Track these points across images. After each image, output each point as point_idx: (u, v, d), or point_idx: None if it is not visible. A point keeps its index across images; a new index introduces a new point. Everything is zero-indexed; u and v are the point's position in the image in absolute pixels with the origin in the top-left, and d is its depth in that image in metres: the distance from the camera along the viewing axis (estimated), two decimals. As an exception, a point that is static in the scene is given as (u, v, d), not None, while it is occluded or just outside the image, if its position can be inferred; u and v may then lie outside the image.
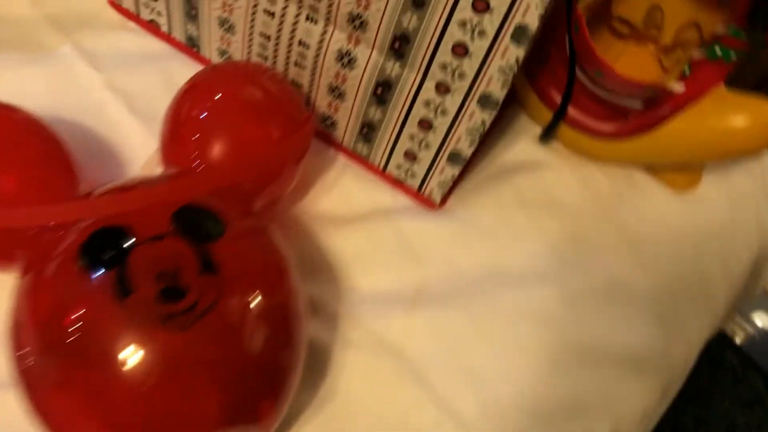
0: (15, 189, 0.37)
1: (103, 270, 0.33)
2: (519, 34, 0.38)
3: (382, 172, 0.52)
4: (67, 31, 0.54)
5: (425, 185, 0.51)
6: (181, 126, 0.44)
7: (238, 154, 0.42)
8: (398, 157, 0.50)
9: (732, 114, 0.44)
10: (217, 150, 0.42)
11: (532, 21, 0.37)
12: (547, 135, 0.53)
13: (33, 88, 0.51)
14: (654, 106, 0.46)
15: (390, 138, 0.49)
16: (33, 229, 0.37)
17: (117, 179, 0.47)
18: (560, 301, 0.50)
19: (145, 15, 0.55)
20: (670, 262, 0.53)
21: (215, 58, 0.54)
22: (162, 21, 0.54)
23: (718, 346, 1.10)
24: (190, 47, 0.54)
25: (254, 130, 0.43)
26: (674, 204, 0.56)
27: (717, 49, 0.44)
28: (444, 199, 0.52)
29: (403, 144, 0.49)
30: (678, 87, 0.45)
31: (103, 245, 0.34)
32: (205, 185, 0.39)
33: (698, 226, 0.56)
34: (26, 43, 0.53)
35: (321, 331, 0.46)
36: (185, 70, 0.49)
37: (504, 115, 0.58)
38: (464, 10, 0.39)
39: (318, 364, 0.45)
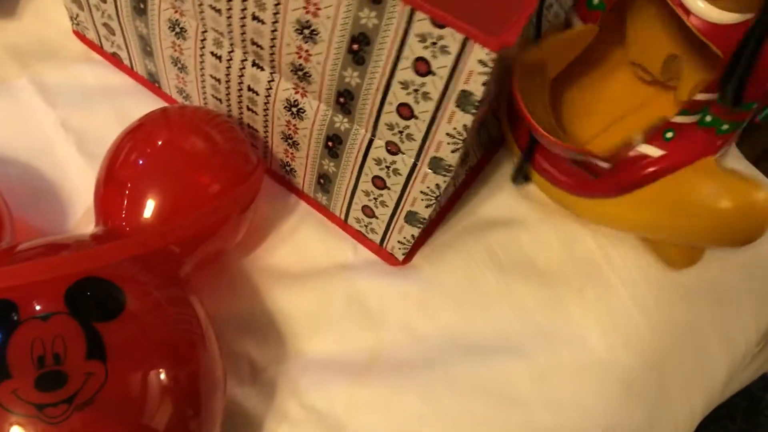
0: None
1: None
2: (464, 100, 0.34)
3: (344, 223, 0.49)
4: (27, 63, 0.52)
5: (386, 241, 0.47)
6: (117, 170, 0.41)
7: (168, 213, 0.39)
8: (357, 211, 0.46)
9: (717, 192, 0.38)
10: (148, 205, 0.39)
11: (476, 89, 0.33)
12: (516, 179, 0.49)
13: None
14: (626, 169, 0.41)
15: (347, 191, 0.45)
16: None
17: (57, 226, 0.45)
18: (528, 378, 0.45)
19: (108, 48, 0.53)
20: (657, 336, 0.48)
21: (175, 96, 0.51)
22: (123, 55, 0.52)
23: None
24: (152, 83, 0.52)
25: (192, 181, 0.41)
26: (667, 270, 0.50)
27: (708, 116, 0.39)
28: (410, 256, 0.48)
29: (360, 199, 0.45)
30: (653, 151, 0.40)
31: None
32: (119, 254, 0.36)
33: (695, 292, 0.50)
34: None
35: (256, 399, 0.43)
36: (144, 108, 0.46)
37: (491, 159, 0.53)
38: (406, 72, 0.35)
39: None
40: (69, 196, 0.47)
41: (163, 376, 0.34)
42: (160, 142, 0.41)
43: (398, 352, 0.45)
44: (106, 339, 0.32)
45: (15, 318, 0.32)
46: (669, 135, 0.40)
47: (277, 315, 0.46)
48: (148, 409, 0.33)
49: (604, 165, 0.42)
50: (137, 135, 0.42)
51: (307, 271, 0.47)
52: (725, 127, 0.38)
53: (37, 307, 0.32)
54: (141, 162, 0.41)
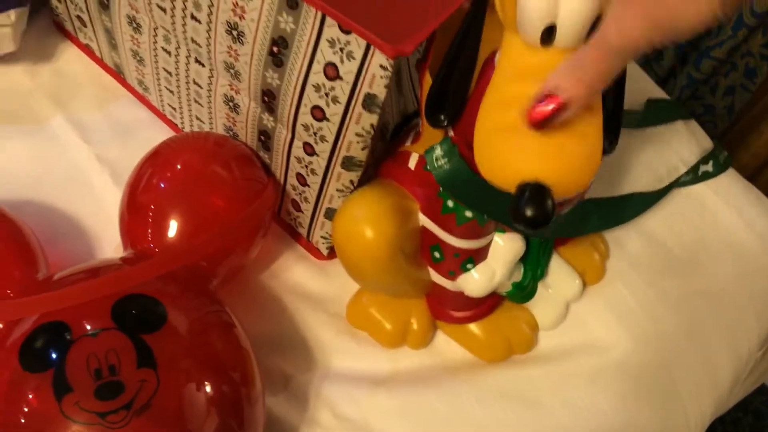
0: None
1: (44, 368, 0.34)
2: (369, 102, 0.37)
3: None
4: (61, 102, 0.55)
5: (311, 236, 0.50)
6: (139, 195, 0.44)
7: (192, 232, 0.42)
8: (287, 204, 0.50)
9: None
10: (172, 224, 0.42)
11: (380, 92, 0.36)
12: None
13: (24, 160, 0.52)
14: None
15: (280, 182, 0.49)
16: None
17: (93, 254, 0.49)
18: (546, 382, 0.48)
19: (82, 39, 0.57)
20: (665, 340, 0.51)
21: (137, 87, 0.55)
22: (94, 46, 0.56)
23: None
24: (118, 74, 0.56)
25: (212, 201, 0.44)
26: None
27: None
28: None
29: (288, 193, 0.48)
30: None
31: (42, 343, 0.35)
32: (153, 272, 0.39)
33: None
34: (21, 114, 0.55)
35: (289, 409, 0.45)
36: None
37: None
38: (317, 75, 0.38)
39: None
40: (107, 225, 0.49)
41: (208, 384, 0.36)
42: (177, 167, 0.45)
43: (421, 359, 0.48)
44: (153, 348, 0.35)
45: (69, 337, 0.35)
46: None
47: (300, 327, 0.48)
48: (197, 417, 0.35)
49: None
50: (155, 161, 0.46)
51: (324, 287, 0.50)
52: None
53: (87, 326, 0.35)
54: (161, 186, 0.44)
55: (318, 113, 0.40)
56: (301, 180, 0.46)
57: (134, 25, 0.48)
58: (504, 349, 0.48)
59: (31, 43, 0.57)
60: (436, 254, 0.44)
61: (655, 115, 0.62)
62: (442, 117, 0.37)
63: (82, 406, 0.33)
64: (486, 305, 0.48)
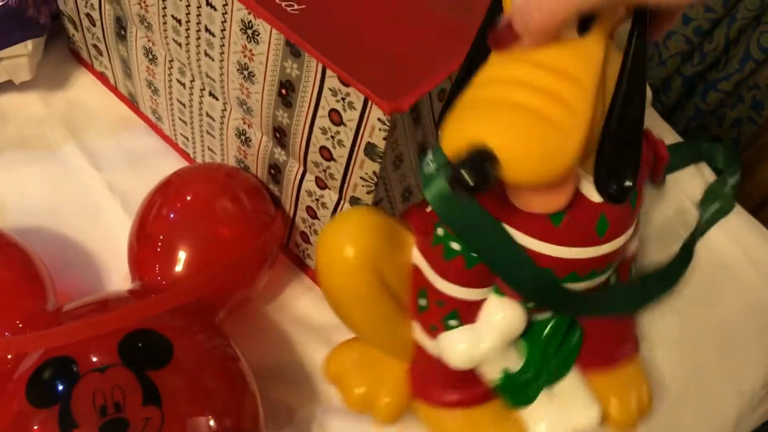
0: None
1: (50, 404, 0.34)
2: (370, 151, 0.38)
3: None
4: (73, 130, 0.56)
5: (319, 267, 0.51)
6: (149, 225, 0.45)
7: (201, 263, 0.43)
8: (296, 236, 0.50)
9: None
10: (180, 257, 0.43)
11: (379, 142, 0.37)
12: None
13: (35, 187, 0.53)
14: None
15: (289, 215, 0.50)
16: None
17: (102, 284, 0.49)
18: None
19: (97, 66, 0.58)
20: (668, 376, 0.51)
21: (150, 117, 0.56)
22: (109, 74, 0.57)
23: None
24: (132, 102, 0.57)
25: (221, 233, 0.44)
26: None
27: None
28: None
29: (298, 225, 0.49)
30: None
31: (49, 379, 0.36)
32: (161, 307, 0.40)
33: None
34: (33, 141, 0.55)
35: None
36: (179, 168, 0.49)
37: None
38: (323, 119, 0.39)
39: None
40: (116, 255, 0.49)
41: (212, 420, 0.36)
42: (188, 198, 0.45)
43: None
44: (159, 385, 0.35)
45: (75, 372, 0.35)
46: None
47: (305, 359, 0.48)
48: None
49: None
50: (166, 191, 0.46)
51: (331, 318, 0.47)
52: None
53: (94, 360, 0.36)
54: (171, 216, 0.44)
55: (326, 153, 0.41)
56: (311, 213, 0.47)
57: (150, 56, 0.49)
58: None
59: (47, 71, 0.58)
60: (422, 302, 0.41)
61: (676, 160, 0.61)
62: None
63: (86, 444, 0.33)
64: (472, 394, 0.43)
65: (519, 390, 0.42)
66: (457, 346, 0.40)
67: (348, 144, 0.39)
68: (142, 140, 0.56)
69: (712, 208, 0.59)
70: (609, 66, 0.32)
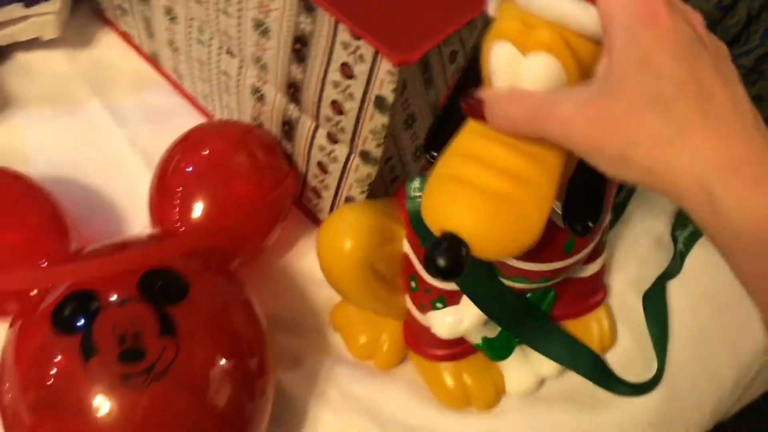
0: (11, 247, 0.42)
1: (73, 331, 0.37)
2: (379, 103, 0.39)
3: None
4: (97, 87, 0.58)
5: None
6: (168, 177, 0.47)
7: (217, 214, 0.45)
8: (308, 191, 0.52)
9: None
10: (197, 206, 0.45)
11: (388, 95, 0.39)
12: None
13: (60, 140, 0.55)
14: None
15: (301, 171, 0.51)
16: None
17: (122, 232, 0.52)
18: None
19: (122, 26, 0.60)
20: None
21: (171, 75, 0.58)
22: (133, 33, 0.59)
23: None
24: (154, 61, 0.59)
25: (236, 186, 0.46)
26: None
27: None
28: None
29: (310, 180, 0.51)
30: None
31: (73, 309, 0.38)
32: (178, 249, 0.42)
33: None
34: (59, 98, 0.58)
35: (298, 386, 0.47)
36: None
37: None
38: (335, 73, 0.40)
39: (294, 418, 0.47)
40: (136, 205, 0.51)
41: (224, 356, 0.39)
42: (206, 152, 0.47)
43: None
44: (175, 319, 0.38)
45: (97, 305, 0.38)
46: None
47: (314, 310, 0.51)
48: (211, 387, 0.38)
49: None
50: (185, 146, 0.48)
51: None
52: None
53: (114, 295, 0.38)
54: (189, 169, 0.46)
55: (337, 107, 0.42)
56: (323, 168, 0.48)
57: (171, 15, 0.51)
58: (461, 399, 0.48)
59: (72, 30, 0.60)
60: (413, 284, 0.45)
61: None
62: (435, 154, 0.37)
63: (106, 368, 0.36)
64: (459, 349, 0.47)
65: (496, 349, 0.48)
66: (443, 326, 0.45)
67: (358, 97, 0.40)
68: (164, 98, 0.58)
69: (686, 232, 0.58)
70: None
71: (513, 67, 0.31)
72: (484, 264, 0.41)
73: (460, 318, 0.44)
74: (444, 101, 0.37)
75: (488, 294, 0.43)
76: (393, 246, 0.44)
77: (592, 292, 0.51)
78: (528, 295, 0.47)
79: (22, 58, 0.58)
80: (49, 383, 0.36)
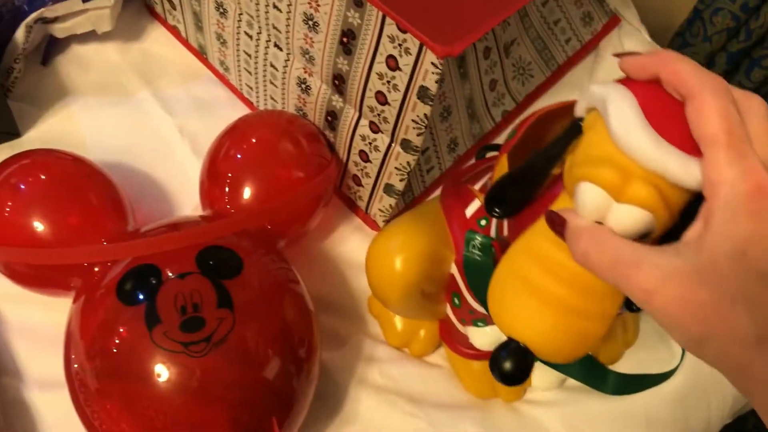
0: (75, 227, 0.45)
1: (137, 302, 0.40)
2: (423, 94, 0.42)
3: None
4: (147, 78, 0.62)
5: (369, 208, 0.55)
6: (218, 163, 0.50)
7: (264, 197, 0.48)
8: (348, 179, 0.55)
9: None
10: (246, 190, 0.48)
11: (432, 85, 0.41)
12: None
13: (113, 128, 0.58)
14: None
15: (342, 160, 0.54)
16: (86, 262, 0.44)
17: (173, 215, 0.55)
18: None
19: (170, 21, 0.63)
20: None
21: (218, 67, 0.61)
22: (181, 28, 0.62)
23: None
24: (201, 54, 0.62)
25: (282, 172, 0.49)
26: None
27: None
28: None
29: (351, 168, 0.53)
30: None
31: (137, 281, 0.41)
32: (230, 228, 0.45)
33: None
34: (111, 87, 0.61)
35: (339, 365, 0.50)
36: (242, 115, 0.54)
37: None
38: (380, 65, 0.43)
39: (334, 397, 0.49)
40: (186, 189, 0.55)
41: (275, 330, 0.41)
42: (253, 140, 0.50)
43: None
44: (231, 292, 0.41)
45: (159, 278, 0.41)
46: None
47: (350, 295, 0.54)
48: (263, 359, 0.40)
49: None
50: (233, 134, 0.51)
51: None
52: None
53: (175, 268, 0.41)
54: (238, 156, 0.49)
55: (381, 98, 0.45)
56: (364, 156, 0.51)
57: (221, 10, 0.54)
58: (489, 390, 0.50)
59: (124, 24, 0.63)
60: (456, 300, 0.47)
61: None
62: (498, 211, 0.38)
63: (169, 336, 0.38)
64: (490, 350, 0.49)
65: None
66: (482, 338, 0.47)
67: (402, 88, 0.43)
68: (210, 89, 0.61)
69: None
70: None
71: (602, 210, 0.30)
72: None
73: (498, 338, 0.45)
74: (521, 162, 0.37)
75: None
76: (442, 269, 0.46)
77: None
78: None
79: (77, 50, 0.62)
80: (114, 351, 0.39)
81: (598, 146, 0.30)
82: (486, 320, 0.46)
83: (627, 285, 0.28)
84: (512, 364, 0.33)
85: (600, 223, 0.30)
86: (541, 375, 0.51)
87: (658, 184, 0.28)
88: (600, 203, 0.29)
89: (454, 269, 0.46)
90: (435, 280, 0.46)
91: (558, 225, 0.31)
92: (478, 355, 0.49)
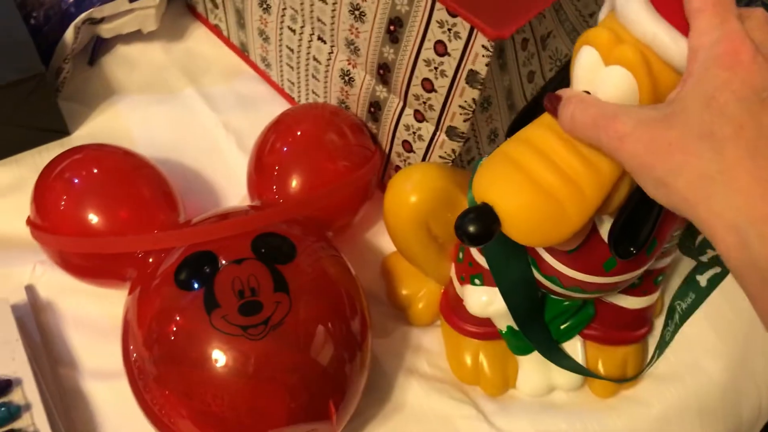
0: (127, 218, 0.46)
1: (195, 288, 0.41)
2: (471, 78, 0.42)
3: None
4: (192, 76, 0.63)
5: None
6: (265, 156, 0.51)
7: (311, 188, 0.49)
8: (391, 170, 0.55)
9: None
10: (293, 181, 0.49)
11: (481, 68, 0.41)
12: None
13: (160, 124, 0.60)
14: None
15: (384, 151, 0.54)
16: (140, 253, 0.45)
17: (221, 207, 0.54)
18: None
19: (212, 20, 0.64)
20: None
21: (259, 64, 0.62)
22: (223, 26, 0.63)
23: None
24: (242, 52, 0.63)
25: (328, 164, 0.50)
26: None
27: None
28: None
29: (393, 159, 0.54)
30: None
31: (194, 268, 0.42)
32: (281, 216, 0.46)
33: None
34: (157, 85, 0.62)
35: (387, 354, 0.51)
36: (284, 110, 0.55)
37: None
38: (428, 51, 0.43)
39: (383, 385, 0.49)
40: (232, 182, 0.57)
41: (329, 314, 0.42)
42: (298, 133, 0.51)
43: None
44: (286, 277, 0.41)
45: (216, 264, 0.41)
46: None
47: None
48: (318, 343, 0.41)
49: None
50: (278, 128, 0.52)
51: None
52: None
53: (231, 254, 0.42)
54: (284, 149, 0.50)
55: (428, 85, 0.45)
56: (407, 147, 0.51)
57: (264, 6, 0.55)
58: (471, 376, 0.50)
59: (167, 24, 0.64)
60: (460, 254, 0.48)
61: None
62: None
63: (228, 319, 0.39)
64: (486, 330, 0.49)
65: (518, 342, 0.49)
66: (475, 301, 0.47)
67: (450, 73, 0.43)
68: (252, 86, 0.62)
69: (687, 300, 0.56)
70: None
71: (593, 73, 0.33)
72: (522, 250, 0.43)
73: (491, 299, 0.46)
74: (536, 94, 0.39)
75: (513, 279, 0.44)
76: (453, 213, 0.44)
77: (632, 326, 0.51)
78: (565, 303, 0.48)
79: (123, 49, 0.63)
80: (173, 338, 0.40)
81: (602, 22, 0.33)
82: (483, 276, 0.46)
83: (605, 136, 0.30)
84: (475, 223, 0.32)
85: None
86: (527, 378, 0.50)
87: (645, 52, 0.31)
88: (591, 64, 0.33)
89: None
90: (446, 222, 0.46)
91: (554, 99, 0.33)
92: (473, 332, 0.49)
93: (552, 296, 0.47)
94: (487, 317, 0.48)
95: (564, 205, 0.33)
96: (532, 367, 0.50)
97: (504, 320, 0.48)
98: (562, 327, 0.49)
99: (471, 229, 0.33)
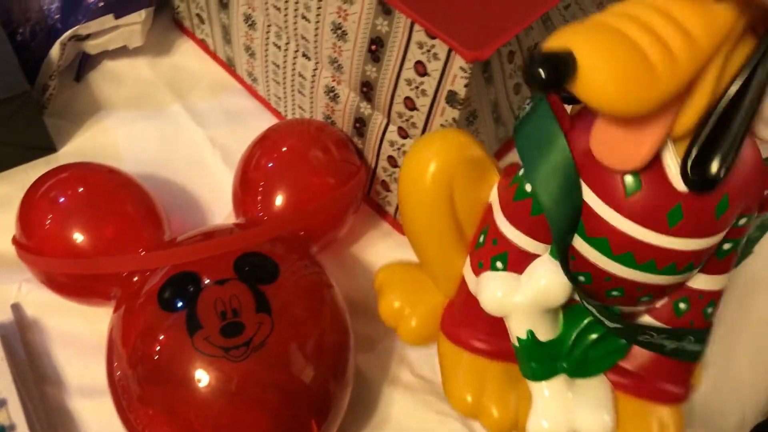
0: (113, 237, 0.46)
1: (178, 308, 0.41)
2: (451, 98, 0.42)
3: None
4: (178, 91, 0.63)
5: (398, 214, 0.56)
6: (250, 172, 0.51)
7: (296, 204, 0.49)
8: (377, 185, 0.55)
9: None
10: (278, 197, 0.49)
11: (460, 89, 0.42)
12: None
13: (146, 140, 0.60)
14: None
15: (371, 166, 0.55)
16: (125, 272, 0.45)
17: (206, 223, 0.56)
18: None
19: (198, 34, 0.64)
20: None
21: (246, 79, 0.62)
22: (209, 41, 0.63)
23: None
24: (229, 66, 0.63)
25: (313, 179, 0.50)
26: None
27: None
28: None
29: (380, 174, 0.54)
30: None
31: (177, 288, 0.42)
32: (265, 235, 0.46)
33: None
34: (143, 100, 0.63)
35: (372, 367, 0.51)
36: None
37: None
38: (409, 71, 0.44)
39: (368, 399, 0.50)
40: (218, 198, 0.56)
41: (312, 333, 0.42)
42: (284, 149, 0.51)
43: None
44: (269, 297, 0.41)
45: (199, 285, 0.42)
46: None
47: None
48: (301, 362, 0.41)
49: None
50: (264, 144, 0.52)
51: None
52: None
53: (214, 275, 0.42)
54: (269, 165, 0.50)
55: (409, 103, 0.45)
56: (392, 162, 0.51)
57: (250, 22, 0.55)
58: (473, 407, 0.44)
59: (153, 39, 0.65)
60: (481, 238, 0.42)
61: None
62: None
63: (210, 341, 0.39)
64: (496, 348, 0.44)
65: (536, 359, 0.42)
66: (493, 289, 0.41)
67: (431, 93, 0.43)
68: (239, 100, 0.63)
69: None
70: (735, 55, 0.31)
71: None
72: (578, 194, 0.36)
73: (513, 289, 0.40)
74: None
75: (553, 164, 0.37)
76: (482, 191, 0.41)
77: (669, 378, 0.43)
78: (585, 321, 0.41)
79: (109, 65, 0.63)
80: (156, 358, 0.40)
81: None
82: (508, 256, 0.40)
83: None
84: (548, 65, 0.28)
85: None
86: (542, 414, 0.42)
87: None
88: None
89: (493, 194, 0.42)
90: (471, 199, 0.41)
91: None
92: (480, 350, 0.44)
93: (578, 306, 0.41)
94: (502, 325, 0.42)
95: (653, 64, 0.29)
96: (550, 402, 0.42)
97: (525, 322, 0.41)
98: (586, 352, 0.42)
99: (542, 70, 0.28)
